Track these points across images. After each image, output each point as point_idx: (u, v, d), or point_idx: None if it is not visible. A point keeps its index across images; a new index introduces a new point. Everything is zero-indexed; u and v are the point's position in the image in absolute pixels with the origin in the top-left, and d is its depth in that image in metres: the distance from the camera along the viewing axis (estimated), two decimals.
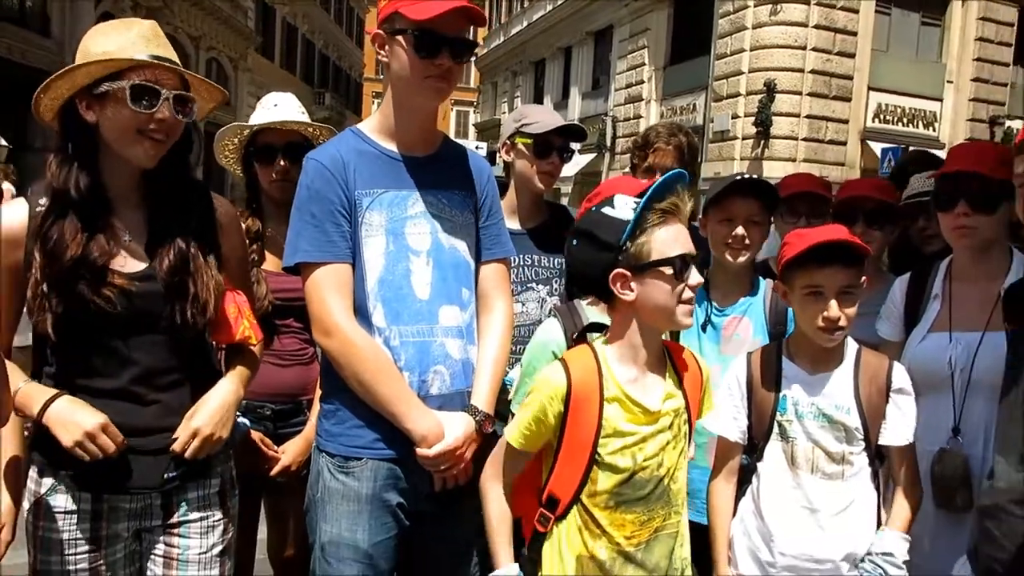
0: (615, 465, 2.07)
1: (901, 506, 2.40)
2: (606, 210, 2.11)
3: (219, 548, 2.27)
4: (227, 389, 2.25)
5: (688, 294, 2.05)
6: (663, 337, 2.25)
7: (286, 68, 37.17)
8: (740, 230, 2.77)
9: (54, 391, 2.04)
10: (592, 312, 2.49)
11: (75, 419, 1.99)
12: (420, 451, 2.21)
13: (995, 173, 2.51)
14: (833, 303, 2.30)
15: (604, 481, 2.08)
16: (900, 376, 2.42)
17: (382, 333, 2.28)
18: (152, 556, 2.21)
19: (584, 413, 2.07)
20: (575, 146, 3.30)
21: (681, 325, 2.11)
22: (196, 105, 2.14)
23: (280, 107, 3.18)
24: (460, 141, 2.78)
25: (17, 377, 2.03)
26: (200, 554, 2.22)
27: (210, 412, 2.18)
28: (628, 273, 2.07)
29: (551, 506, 2.12)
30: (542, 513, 2.14)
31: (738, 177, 2.82)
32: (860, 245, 2.35)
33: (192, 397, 2.19)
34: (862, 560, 2.33)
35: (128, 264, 2.11)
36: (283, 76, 34.72)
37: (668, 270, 2.03)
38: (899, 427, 2.39)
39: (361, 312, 2.29)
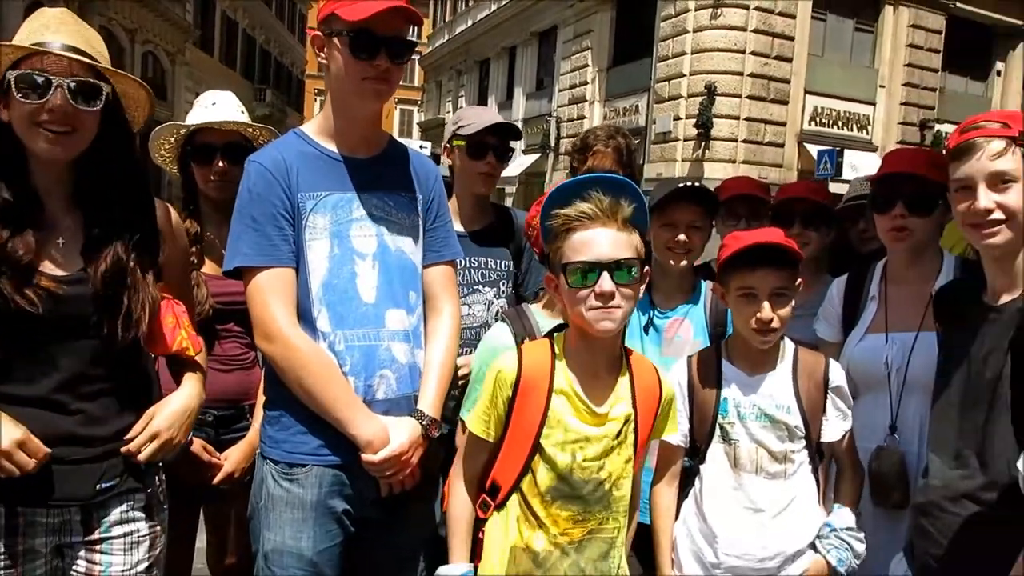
0: (554, 459, 2.07)
1: (848, 486, 2.50)
2: None
3: (145, 564, 2.16)
4: (190, 393, 2.19)
5: (593, 301, 2.02)
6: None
7: (226, 63, 36.47)
8: (682, 236, 2.83)
9: None
10: (541, 316, 2.49)
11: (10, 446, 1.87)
12: (366, 457, 2.19)
13: (930, 175, 2.58)
14: (766, 304, 2.35)
15: (543, 473, 2.08)
16: (836, 373, 2.49)
17: (327, 338, 2.25)
18: (73, 574, 2.10)
19: (531, 401, 2.09)
20: (517, 145, 3.31)
21: (594, 331, 2.06)
22: (106, 94, 2.00)
23: (219, 106, 3.12)
24: (404, 140, 2.77)
25: None
26: (124, 571, 2.12)
27: (172, 414, 2.12)
28: (553, 277, 2.14)
29: (492, 493, 2.13)
30: (483, 499, 2.16)
31: (680, 185, 2.86)
32: (792, 248, 2.40)
33: (120, 407, 2.09)
34: (821, 537, 2.39)
35: (59, 267, 2.01)
36: (223, 71, 34.10)
37: (566, 278, 2.05)
38: (838, 423, 2.46)
39: (305, 317, 2.26)
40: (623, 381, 2.16)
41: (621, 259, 2.02)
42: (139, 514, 2.15)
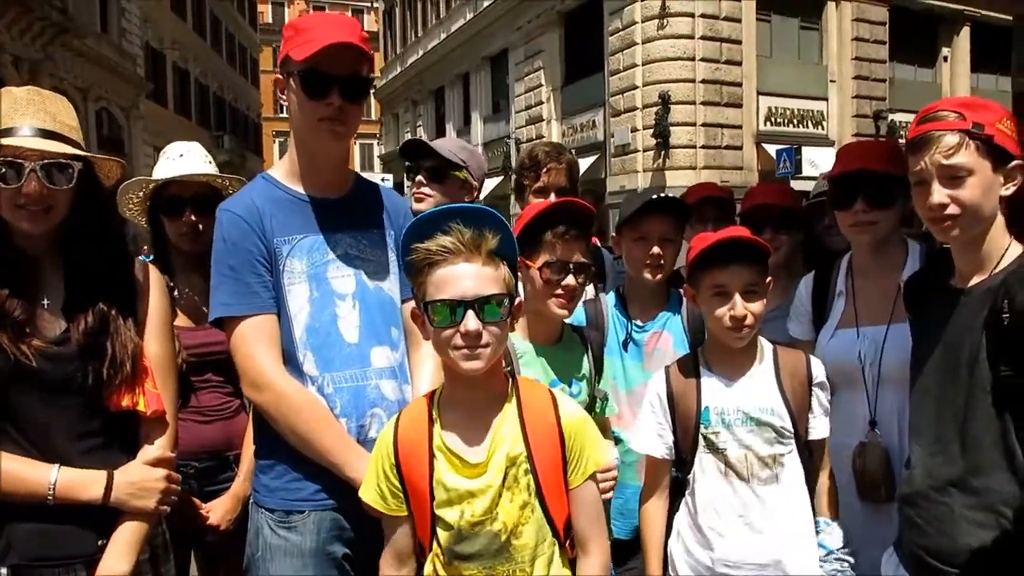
0: (445, 520, 1.94)
1: (830, 493, 2.49)
2: None
3: None
4: (129, 466, 2.16)
5: (458, 341, 1.87)
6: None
7: (181, 113, 36.22)
8: (656, 249, 2.80)
9: (99, 471, 2.07)
10: (517, 338, 2.49)
11: (146, 483, 2.11)
12: None
13: (887, 168, 2.60)
14: (738, 299, 2.34)
15: (441, 536, 1.95)
16: (818, 368, 2.49)
17: (315, 381, 2.25)
18: None
19: (415, 466, 1.96)
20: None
21: (461, 371, 1.91)
22: (76, 168, 2.09)
23: (186, 157, 3.11)
24: (366, 174, 2.80)
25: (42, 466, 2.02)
26: None
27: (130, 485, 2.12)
28: (419, 313, 1.99)
29: (422, 551, 2.03)
30: (417, 558, 2.06)
31: (652, 197, 2.84)
32: (760, 243, 2.40)
33: (115, 460, 2.13)
34: (823, 561, 2.38)
35: (46, 326, 2.08)
36: (178, 122, 33.86)
37: (429, 316, 1.91)
38: (823, 420, 2.47)
39: (291, 362, 2.26)
40: (508, 419, 1.98)
41: (486, 295, 1.88)
42: (145, 567, 2.18)
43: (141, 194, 3.09)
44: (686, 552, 2.44)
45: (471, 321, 1.86)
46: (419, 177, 3.38)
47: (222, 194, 3.04)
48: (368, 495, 2.02)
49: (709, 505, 2.41)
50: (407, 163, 3.47)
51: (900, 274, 2.62)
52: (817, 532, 2.42)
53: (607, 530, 2.14)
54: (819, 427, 2.46)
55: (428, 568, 1.99)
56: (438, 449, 1.96)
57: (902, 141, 2.28)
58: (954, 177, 2.02)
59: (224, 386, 3.01)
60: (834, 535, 2.41)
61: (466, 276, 1.89)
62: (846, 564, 2.38)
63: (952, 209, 2.03)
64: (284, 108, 2.39)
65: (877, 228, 2.69)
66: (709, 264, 2.38)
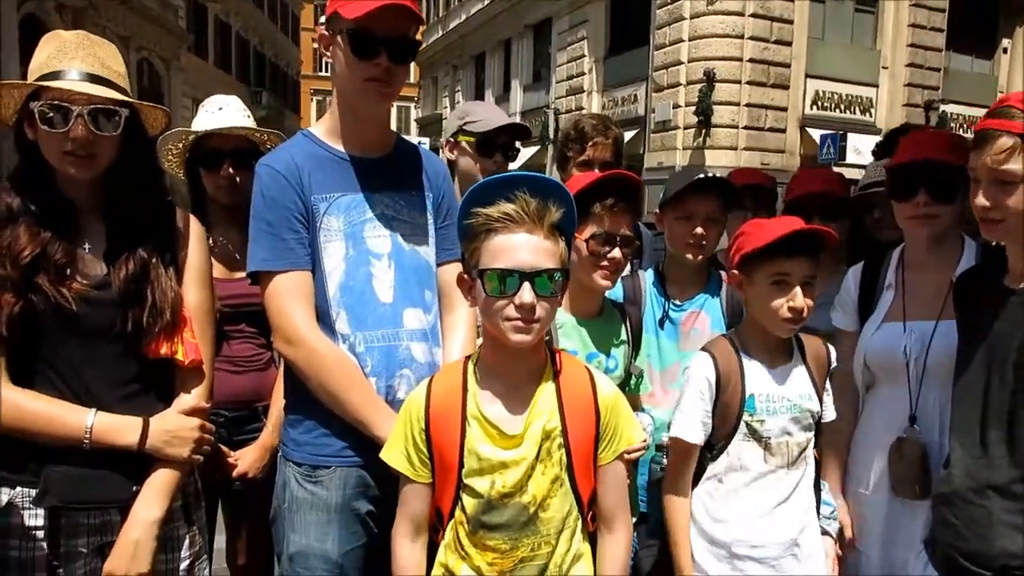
0: (474, 488, 1.93)
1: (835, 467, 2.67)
2: None
3: (186, 562, 2.22)
4: (167, 414, 2.16)
5: (511, 312, 1.84)
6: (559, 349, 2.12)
7: (221, 67, 36.44)
8: (699, 229, 2.76)
9: (135, 418, 2.07)
10: (560, 312, 2.45)
11: (181, 431, 2.11)
12: None
13: (952, 159, 2.51)
14: (798, 291, 2.31)
15: (468, 504, 1.95)
16: (834, 353, 2.54)
17: (346, 340, 2.26)
18: None
19: (446, 433, 1.94)
20: (520, 144, 3.31)
21: (509, 344, 1.87)
22: (123, 115, 2.07)
23: (225, 111, 3.12)
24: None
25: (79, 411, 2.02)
26: (164, 568, 2.16)
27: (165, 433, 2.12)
28: (467, 278, 1.97)
29: (439, 519, 2.02)
30: (432, 525, 2.05)
31: (699, 176, 2.81)
32: (829, 232, 2.38)
33: (152, 406, 2.14)
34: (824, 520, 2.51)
35: (87, 270, 2.09)
36: (218, 75, 34.06)
37: (483, 284, 1.87)
38: (830, 401, 2.53)
39: (323, 319, 2.26)
40: (546, 392, 1.97)
41: (542, 268, 1.84)
42: (178, 514, 2.21)
43: (180, 146, 3.11)
44: (704, 536, 2.43)
45: (527, 293, 1.83)
46: (498, 157, 3.34)
47: (259, 148, 3.05)
48: (394, 459, 2.01)
49: (743, 490, 2.40)
50: (500, 142, 3.34)
51: (954, 270, 2.54)
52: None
53: (632, 507, 2.16)
54: (829, 409, 2.53)
55: (449, 535, 1.99)
56: (472, 417, 1.94)
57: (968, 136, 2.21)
58: (1003, 183, 1.98)
59: (257, 337, 3.03)
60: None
61: (526, 247, 1.85)
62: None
63: (995, 214, 2.00)
64: (324, 66, 2.36)
65: (937, 222, 2.60)
66: (773, 253, 2.33)
